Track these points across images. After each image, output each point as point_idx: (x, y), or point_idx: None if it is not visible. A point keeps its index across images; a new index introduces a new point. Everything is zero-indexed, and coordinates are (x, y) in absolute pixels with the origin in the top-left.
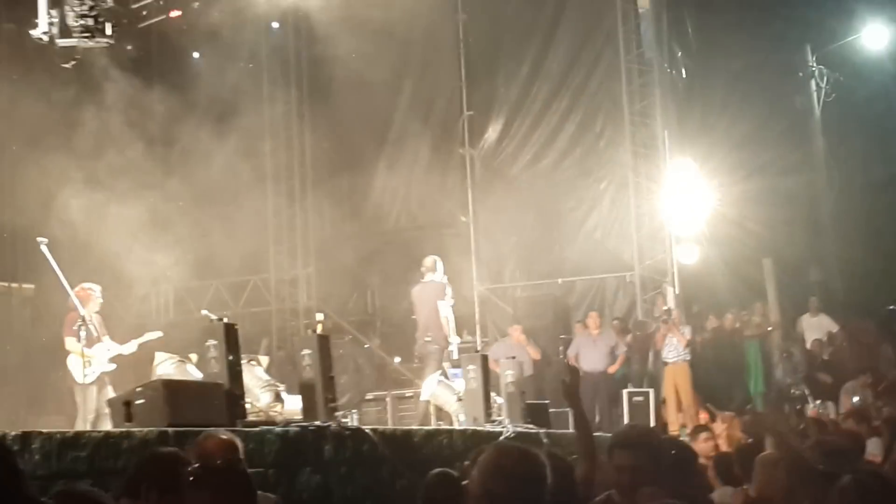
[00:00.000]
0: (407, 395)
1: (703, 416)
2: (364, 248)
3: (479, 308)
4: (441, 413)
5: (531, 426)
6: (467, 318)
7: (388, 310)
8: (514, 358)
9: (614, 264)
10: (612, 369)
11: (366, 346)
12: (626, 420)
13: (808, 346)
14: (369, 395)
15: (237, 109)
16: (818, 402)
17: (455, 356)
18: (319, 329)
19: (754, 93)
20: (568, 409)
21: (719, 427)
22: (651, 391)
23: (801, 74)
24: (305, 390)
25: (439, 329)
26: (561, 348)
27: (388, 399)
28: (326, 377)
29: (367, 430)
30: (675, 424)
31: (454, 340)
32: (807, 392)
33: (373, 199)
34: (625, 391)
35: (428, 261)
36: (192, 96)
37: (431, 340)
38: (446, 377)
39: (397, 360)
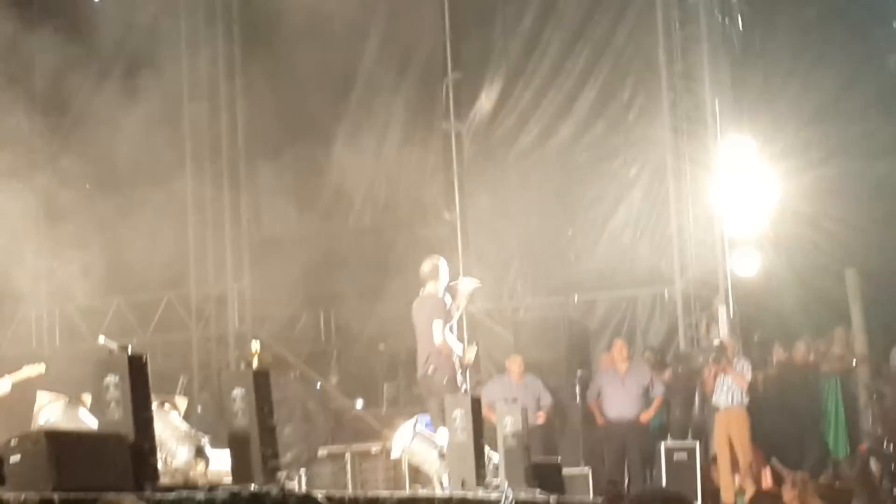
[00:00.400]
0: (373, 450)
1: (768, 478)
2: (316, 254)
3: (468, 334)
4: (418, 475)
5: (538, 492)
6: None
7: (349, 337)
8: (515, 401)
9: (649, 276)
10: (645, 416)
11: (318, 385)
12: (665, 484)
13: None
14: (322, 451)
15: (148, 63)
16: None
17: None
18: (256, 363)
19: (834, 49)
20: (587, 469)
21: (789, 493)
22: (697, 444)
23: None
24: (237, 443)
25: (445, 353)
26: (578, 389)
27: (347, 456)
28: (265, 426)
29: (318, 497)
30: (730, 489)
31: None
32: None
33: (328, 188)
34: (663, 445)
35: (426, 266)
36: (90, 46)
37: (435, 371)
38: (422, 427)
39: (360, 403)
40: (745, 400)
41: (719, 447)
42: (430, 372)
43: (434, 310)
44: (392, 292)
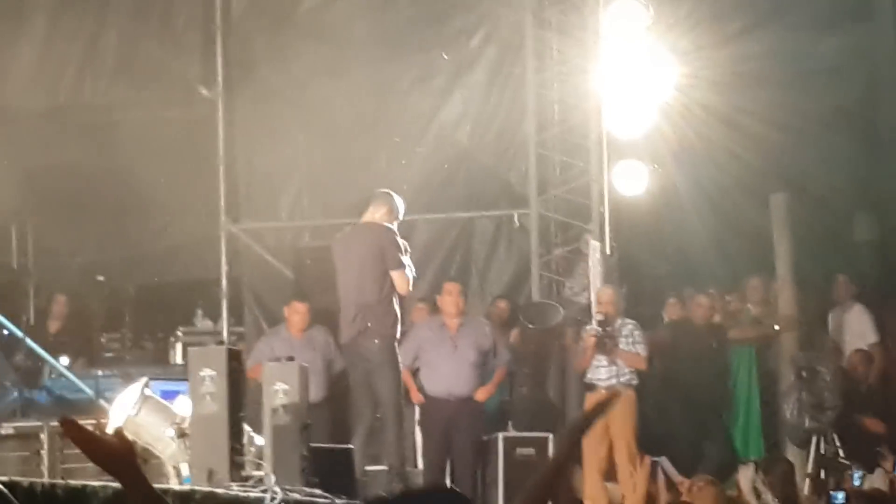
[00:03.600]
0: (88, 426)
1: (655, 485)
2: (7, 144)
3: (227, 265)
4: (144, 461)
5: (318, 493)
6: (203, 283)
7: (54, 264)
8: (291, 360)
9: (492, 194)
10: (482, 394)
11: (3, 331)
12: (500, 491)
13: (847, 360)
14: (6, 427)
15: None
16: (860, 471)
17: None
18: None
19: None
20: (384, 468)
21: None
22: (550, 437)
23: None
24: None
25: (384, 308)
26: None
27: (43, 434)
28: None
29: None
30: (601, 500)
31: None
32: (840, 448)
33: (26, 55)
34: (501, 436)
35: (377, 192)
36: None
37: (371, 330)
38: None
39: (64, 360)
40: (634, 380)
41: (591, 441)
42: (358, 333)
43: (388, 246)
44: (123, 201)
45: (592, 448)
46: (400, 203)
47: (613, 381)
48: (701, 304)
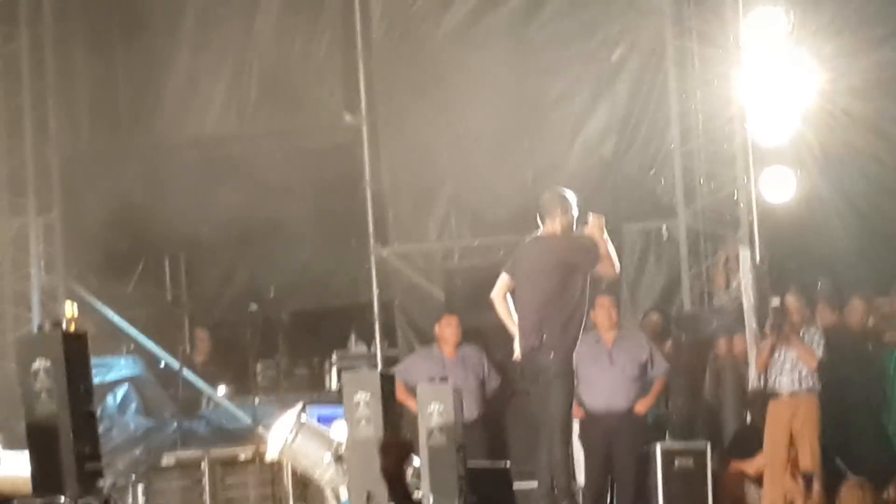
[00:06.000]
0: (241, 456)
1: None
2: (156, 174)
3: (378, 289)
4: (304, 486)
5: None
6: (355, 308)
7: (206, 292)
8: (445, 380)
9: (639, 206)
10: (642, 406)
11: (161, 363)
12: (660, 502)
13: None
14: (168, 457)
15: None
16: None
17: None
18: (71, 324)
19: None
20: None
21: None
22: (708, 447)
23: None
24: (39, 438)
25: (569, 328)
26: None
27: (204, 464)
28: (81, 414)
29: None
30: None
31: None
32: None
33: (172, 85)
34: (659, 446)
35: (545, 197)
36: None
37: (542, 346)
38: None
39: (222, 390)
40: (817, 385)
41: (774, 446)
42: (537, 346)
43: (571, 256)
44: (270, 228)
45: (776, 451)
46: (570, 197)
47: (796, 387)
48: (855, 309)
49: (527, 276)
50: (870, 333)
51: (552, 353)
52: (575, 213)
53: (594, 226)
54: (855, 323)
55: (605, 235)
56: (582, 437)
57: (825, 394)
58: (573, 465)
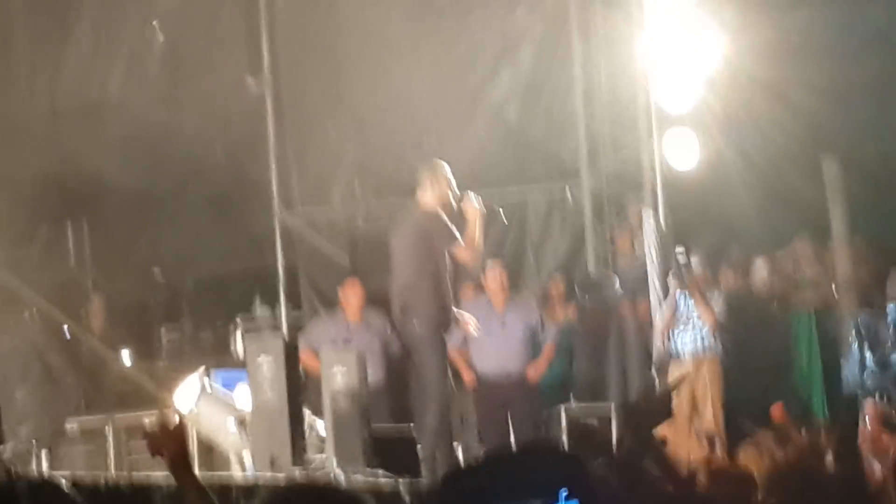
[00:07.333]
0: (145, 421)
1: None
2: (60, 138)
3: (283, 253)
4: (211, 452)
5: (381, 473)
6: (259, 272)
7: (110, 259)
8: (349, 344)
9: (543, 169)
10: (533, 371)
11: (65, 329)
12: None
13: None
14: (72, 423)
15: None
16: None
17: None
18: None
19: None
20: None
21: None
22: (613, 407)
23: None
24: None
25: (432, 299)
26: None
27: (108, 429)
28: None
29: (62, 484)
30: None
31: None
32: None
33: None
34: (563, 408)
35: (420, 169)
36: None
37: (408, 315)
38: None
39: (126, 356)
40: (719, 347)
41: (676, 408)
42: (399, 316)
43: (433, 233)
44: (173, 193)
45: (681, 414)
46: (443, 170)
47: (698, 349)
48: (760, 271)
49: (394, 248)
50: (774, 295)
51: (416, 323)
52: (450, 185)
53: (468, 206)
54: (759, 284)
55: (478, 221)
56: (477, 405)
57: (730, 356)
58: (451, 432)
